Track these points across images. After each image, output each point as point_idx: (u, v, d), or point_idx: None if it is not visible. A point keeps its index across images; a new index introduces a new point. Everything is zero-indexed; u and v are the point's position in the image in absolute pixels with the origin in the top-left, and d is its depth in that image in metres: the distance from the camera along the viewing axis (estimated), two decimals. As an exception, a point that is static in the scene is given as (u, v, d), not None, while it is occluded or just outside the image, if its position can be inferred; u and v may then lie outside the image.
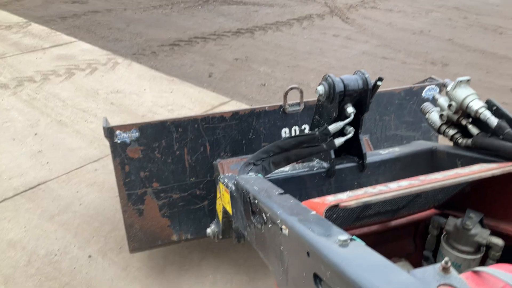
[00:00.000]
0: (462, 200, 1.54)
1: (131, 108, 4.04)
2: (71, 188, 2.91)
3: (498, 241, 1.26)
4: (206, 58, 5.42)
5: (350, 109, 1.60)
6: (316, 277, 0.83)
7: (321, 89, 1.59)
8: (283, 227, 0.99)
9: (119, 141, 1.96)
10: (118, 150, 1.98)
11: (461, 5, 8.33)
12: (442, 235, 1.40)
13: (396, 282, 0.69)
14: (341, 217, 1.24)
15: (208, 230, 2.08)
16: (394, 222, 1.60)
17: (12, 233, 2.51)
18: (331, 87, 1.55)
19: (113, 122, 3.74)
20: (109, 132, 1.94)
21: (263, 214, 1.15)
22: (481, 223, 1.33)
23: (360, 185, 1.72)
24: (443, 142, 1.88)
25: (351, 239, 0.79)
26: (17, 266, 2.29)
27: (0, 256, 2.35)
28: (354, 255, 0.75)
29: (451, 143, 1.71)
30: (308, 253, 0.84)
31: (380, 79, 1.58)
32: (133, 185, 2.04)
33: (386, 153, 1.77)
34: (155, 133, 2.00)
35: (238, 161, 2.11)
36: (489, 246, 1.29)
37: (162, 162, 2.06)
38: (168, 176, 2.08)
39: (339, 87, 1.55)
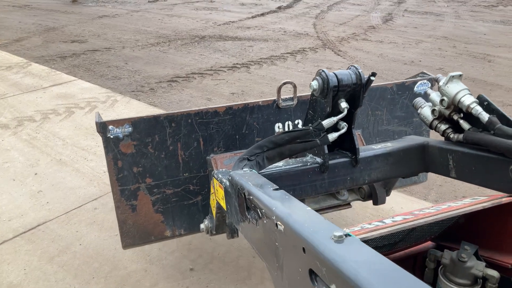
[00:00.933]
0: (457, 232, 1.57)
1: (130, 145, 4.09)
2: (71, 228, 2.91)
3: (494, 273, 1.28)
4: (203, 93, 5.52)
5: (343, 104, 1.62)
6: (312, 273, 0.84)
7: (315, 84, 1.60)
8: (279, 223, 0.99)
9: (112, 136, 1.93)
10: (111, 145, 1.95)
11: (450, 34, 8.57)
12: (440, 268, 1.42)
13: (391, 277, 0.69)
14: None
15: (202, 226, 2.08)
16: (392, 256, 1.62)
17: (12, 275, 2.50)
18: (325, 81, 1.57)
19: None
20: (102, 127, 1.91)
21: (258, 210, 1.16)
22: (476, 255, 1.35)
23: (353, 180, 1.75)
24: (434, 138, 1.92)
25: (346, 235, 0.81)
26: (17, 310, 2.27)
27: (0, 301, 2.33)
28: (349, 251, 0.76)
29: (442, 138, 1.74)
30: (303, 249, 0.85)
31: (373, 74, 1.59)
32: (126, 181, 2.02)
33: (379, 148, 1.79)
34: (148, 128, 1.99)
35: (232, 156, 2.10)
36: (485, 278, 1.31)
37: (155, 157, 2.04)
38: (161, 172, 2.07)
39: (333, 81, 1.57)
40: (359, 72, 1.60)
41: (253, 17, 10.74)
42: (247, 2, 12.92)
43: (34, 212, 3.08)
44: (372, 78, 1.59)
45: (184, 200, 2.15)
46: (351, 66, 1.64)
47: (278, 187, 1.23)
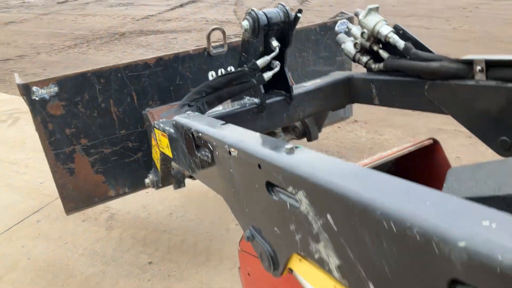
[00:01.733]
0: None
1: (64, 152, 3.93)
2: (15, 245, 2.78)
3: None
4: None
5: (274, 43, 1.68)
6: (269, 185, 0.92)
7: (245, 23, 1.65)
8: (232, 149, 1.06)
9: (37, 98, 1.85)
10: (38, 108, 1.87)
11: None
12: None
13: (341, 169, 0.76)
14: None
15: (147, 180, 2.11)
16: None
17: (-42, 303, 2.36)
18: (255, 20, 1.62)
19: (47, 169, 3.63)
20: (25, 89, 1.83)
21: (209, 144, 1.22)
22: None
23: (289, 117, 1.87)
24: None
25: (296, 147, 0.89)
26: (-30, 336, 2.16)
27: (-51, 331, 2.19)
28: (301, 157, 0.84)
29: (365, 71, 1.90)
30: (259, 165, 0.92)
31: (299, 10, 1.65)
32: (60, 144, 1.96)
33: (309, 85, 1.93)
34: (76, 86, 1.93)
35: (168, 109, 2.08)
36: None
37: (88, 116, 1.99)
38: (96, 131, 2.02)
39: (263, 20, 1.62)
40: (286, 9, 1.66)
41: (172, 9, 10.57)
42: (164, -5, 12.67)
43: (-30, 235, 2.89)
44: (298, 15, 1.66)
45: (124, 158, 2.12)
46: (279, 4, 1.69)
47: (225, 122, 1.29)
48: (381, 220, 0.57)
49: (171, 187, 2.21)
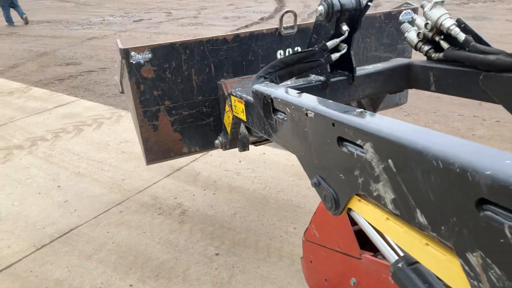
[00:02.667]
0: None
1: (141, 154, 4.39)
2: (102, 230, 3.20)
3: None
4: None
5: (344, 27, 1.84)
6: (339, 140, 1.12)
7: (321, 8, 1.81)
8: (309, 111, 1.26)
9: (134, 62, 2.12)
10: (134, 71, 2.15)
11: None
12: None
13: (400, 126, 0.95)
14: None
15: (217, 141, 2.36)
16: None
17: (57, 273, 2.79)
18: (330, 6, 1.78)
19: (127, 169, 4.10)
20: (125, 53, 2.10)
21: (287, 108, 1.41)
22: None
23: (350, 95, 2.03)
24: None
25: (365, 111, 1.10)
26: (68, 300, 2.56)
27: (50, 294, 2.61)
28: (369, 118, 1.05)
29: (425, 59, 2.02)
30: (333, 124, 1.13)
31: (370, 0, 1.80)
32: (148, 103, 2.24)
33: (371, 67, 2.08)
34: (166, 54, 2.18)
35: (239, 81, 2.32)
36: None
37: (173, 81, 2.25)
38: (178, 95, 2.29)
39: (337, 6, 1.77)
40: None
41: (237, 29, 11.15)
42: (230, 16, 13.36)
43: (65, 219, 3.36)
44: (369, 3, 1.81)
45: (198, 121, 2.39)
46: None
47: (300, 91, 1.49)
48: (431, 160, 0.78)
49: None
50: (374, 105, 2.50)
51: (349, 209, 1.20)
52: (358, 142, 1.03)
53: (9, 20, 14.53)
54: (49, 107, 6.07)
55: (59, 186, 3.87)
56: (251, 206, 3.36)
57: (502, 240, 0.67)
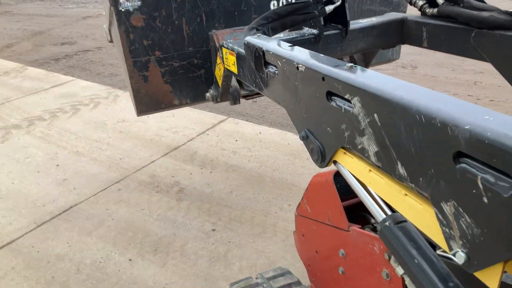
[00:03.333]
0: None
1: (139, 133, 4.44)
2: (101, 207, 3.28)
3: None
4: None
5: None
6: (328, 94, 1.15)
7: None
8: (300, 65, 1.25)
9: (123, 10, 2.05)
10: (123, 18, 2.07)
11: (424, 12, 9.03)
12: None
13: (388, 82, 0.98)
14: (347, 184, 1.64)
15: (207, 94, 2.35)
16: None
17: (58, 248, 2.87)
18: None
19: (125, 148, 4.14)
20: (113, 0, 2.03)
21: (278, 61, 1.40)
22: None
23: (342, 50, 2.02)
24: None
25: (356, 66, 1.12)
26: (69, 274, 2.65)
27: (52, 268, 2.70)
28: (358, 73, 1.07)
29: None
30: (323, 78, 1.15)
31: None
32: (138, 53, 2.17)
33: (365, 21, 2.07)
34: (155, 2, 2.11)
35: (231, 32, 2.25)
36: None
37: (163, 31, 2.17)
38: (168, 45, 2.21)
39: None
40: None
41: None
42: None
43: (64, 197, 3.43)
44: None
45: (189, 73, 2.35)
46: None
47: (292, 44, 1.46)
48: (415, 115, 0.82)
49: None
50: (366, 60, 2.49)
51: (335, 161, 1.24)
52: (346, 96, 1.06)
53: None
54: (46, 87, 6.07)
55: (57, 165, 3.92)
56: (247, 184, 3.43)
57: (474, 191, 0.73)
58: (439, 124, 0.77)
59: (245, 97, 2.52)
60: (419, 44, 2.03)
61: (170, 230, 2.96)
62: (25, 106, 5.38)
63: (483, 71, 5.58)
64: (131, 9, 2.07)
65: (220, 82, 2.19)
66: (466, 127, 0.71)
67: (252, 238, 2.83)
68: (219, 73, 2.17)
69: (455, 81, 5.37)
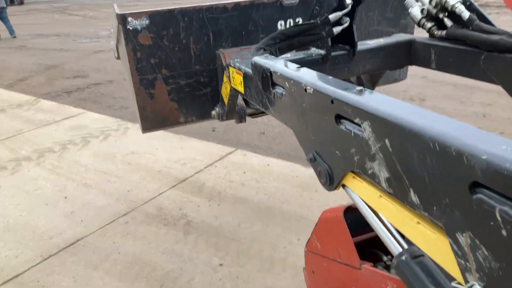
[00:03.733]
0: None
1: (147, 165, 4.46)
2: (108, 240, 3.25)
3: None
4: (207, 115, 5.93)
5: (348, 0, 1.79)
6: (337, 117, 1.12)
7: None
8: (308, 87, 1.24)
9: (131, 28, 2.05)
10: (130, 37, 2.08)
11: (430, 45, 9.13)
12: None
13: (404, 108, 0.94)
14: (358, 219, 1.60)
15: (213, 112, 2.34)
16: None
17: (64, 283, 2.83)
18: None
19: (133, 180, 4.15)
20: (122, 19, 2.02)
21: (286, 83, 1.39)
22: None
23: (350, 70, 1.99)
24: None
25: (365, 89, 1.09)
26: (74, 310, 2.60)
27: (57, 304, 2.65)
28: (368, 96, 1.04)
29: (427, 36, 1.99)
30: (332, 101, 1.12)
31: None
32: (145, 71, 2.19)
33: (373, 42, 2.05)
34: (164, 21, 2.12)
35: (238, 51, 2.26)
36: None
37: (170, 49, 2.19)
38: (175, 64, 2.23)
39: None
40: None
41: None
42: None
43: (72, 230, 3.41)
44: None
45: (195, 91, 2.35)
46: None
47: (299, 66, 1.45)
48: (428, 142, 0.79)
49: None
50: (373, 81, 2.47)
51: (343, 185, 1.21)
52: (356, 120, 1.03)
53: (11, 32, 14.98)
54: (57, 119, 6.17)
55: (66, 197, 3.92)
56: (255, 216, 3.39)
57: (492, 223, 0.70)
58: (454, 153, 0.74)
59: (251, 115, 2.50)
60: (427, 66, 2.02)
61: (177, 264, 2.91)
62: (36, 138, 5.46)
63: (492, 103, 5.57)
64: (139, 28, 2.08)
65: (226, 100, 2.19)
66: (483, 157, 0.69)
67: (260, 273, 2.77)
68: (225, 91, 2.17)
69: (464, 113, 5.36)
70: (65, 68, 9.75)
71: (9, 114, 6.54)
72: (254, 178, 4.03)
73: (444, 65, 1.92)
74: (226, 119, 2.34)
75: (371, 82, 2.47)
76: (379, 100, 1.01)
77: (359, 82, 2.45)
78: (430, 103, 5.76)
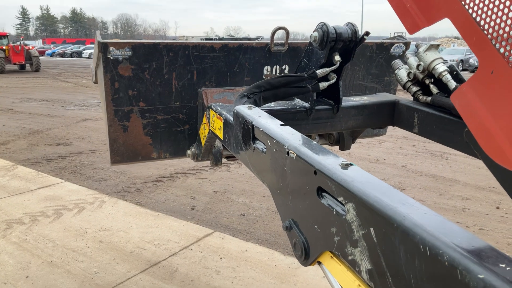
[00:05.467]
0: None
1: (119, 245, 4.25)
2: (65, 331, 2.97)
3: None
4: (187, 192, 5.84)
5: (337, 57, 1.78)
6: (319, 190, 1.03)
7: (315, 34, 1.75)
8: (291, 151, 1.16)
9: (111, 57, 1.98)
10: (110, 66, 2.01)
11: (409, 134, 9.42)
12: None
13: (388, 193, 0.86)
14: None
15: (189, 152, 2.22)
16: None
17: None
18: (325, 34, 1.71)
19: (102, 260, 3.93)
20: (103, 47, 1.96)
21: (268, 140, 1.31)
22: None
23: (332, 126, 1.94)
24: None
25: (351, 164, 1.00)
26: None
27: None
28: (355, 174, 0.95)
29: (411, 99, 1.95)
30: (315, 172, 1.03)
31: (367, 33, 1.73)
32: (121, 102, 2.09)
33: (357, 100, 2.02)
34: (147, 54, 2.05)
35: (221, 92, 2.21)
36: None
37: (151, 83, 2.12)
38: (154, 98, 2.15)
39: (332, 34, 1.71)
40: (355, 29, 1.76)
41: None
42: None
43: (27, 316, 3.13)
44: (365, 37, 1.75)
45: (172, 127, 2.25)
46: (349, 23, 1.79)
47: (283, 123, 1.39)
48: (419, 244, 0.71)
49: None
50: (353, 135, 2.44)
51: (319, 262, 1.11)
52: (340, 199, 0.95)
53: None
54: (32, 187, 5.98)
55: (27, 277, 3.66)
56: (228, 310, 3.18)
57: None
58: (446, 263, 0.65)
59: (227, 157, 2.42)
60: (410, 129, 2.00)
61: None
62: (7, 208, 5.23)
63: (470, 198, 5.65)
64: (120, 58, 2.01)
65: (203, 141, 2.13)
66: (480, 276, 0.60)
67: None
68: (203, 132, 2.11)
69: (443, 206, 5.40)
70: (49, 134, 9.70)
71: (-18, 180, 6.33)
72: (230, 265, 3.86)
73: (426, 132, 1.91)
74: (201, 160, 2.26)
75: (351, 136, 2.45)
76: (368, 181, 0.93)
77: (340, 135, 2.42)
78: (410, 194, 5.80)
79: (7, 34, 29.30)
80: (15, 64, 28.25)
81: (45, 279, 3.61)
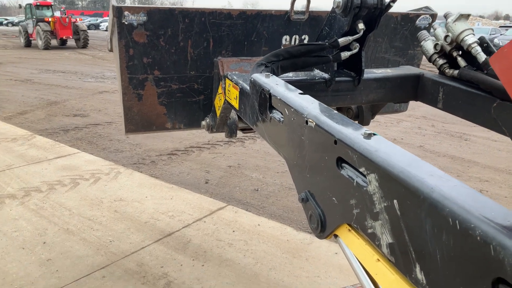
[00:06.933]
0: None
1: (134, 215, 4.31)
2: (81, 296, 3.04)
3: None
4: (202, 166, 5.85)
5: (361, 25, 1.66)
6: (339, 160, 0.98)
7: (339, 0, 1.63)
8: (310, 120, 1.10)
9: (126, 22, 1.93)
10: (124, 32, 1.95)
11: (428, 114, 9.27)
12: None
13: (414, 164, 0.81)
14: None
15: (203, 123, 2.17)
16: None
17: None
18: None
19: (117, 229, 3.99)
20: (118, 11, 1.91)
21: (286, 109, 1.26)
22: None
23: (352, 99, 1.85)
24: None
25: (374, 134, 0.96)
26: None
27: None
28: (379, 144, 0.91)
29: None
30: (335, 141, 0.98)
31: (393, 0, 1.62)
32: (135, 70, 2.05)
33: (380, 72, 1.91)
34: (162, 20, 1.99)
35: (238, 61, 2.14)
36: None
37: (166, 51, 2.06)
38: (169, 66, 2.10)
39: (357, 0, 1.59)
40: None
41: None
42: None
43: (44, 280, 3.21)
44: (392, 4, 1.63)
45: (187, 97, 2.20)
46: None
47: (303, 92, 1.32)
48: (447, 217, 0.66)
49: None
50: (373, 109, 2.33)
51: (335, 235, 1.07)
52: (361, 170, 0.90)
53: None
54: (50, 157, 6.07)
55: (44, 243, 3.74)
56: (240, 283, 3.21)
57: None
58: (478, 238, 0.60)
59: (243, 130, 2.35)
60: (434, 104, 1.91)
61: (151, 331, 2.70)
62: (25, 176, 5.33)
63: (489, 180, 5.53)
64: (135, 24, 1.95)
65: (218, 112, 2.07)
66: None
67: None
68: (218, 103, 2.05)
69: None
70: (66, 105, 9.79)
71: (2, 148, 6.44)
72: (243, 238, 3.87)
73: (451, 107, 1.82)
74: (215, 132, 2.20)
75: (371, 110, 2.34)
76: (392, 151, 0.87)
77: (359, 110, 2.31)
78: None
79: (51, 3, 25.60)
80: (61, 39, 24.74)
81: (61, 246, 3.69)
